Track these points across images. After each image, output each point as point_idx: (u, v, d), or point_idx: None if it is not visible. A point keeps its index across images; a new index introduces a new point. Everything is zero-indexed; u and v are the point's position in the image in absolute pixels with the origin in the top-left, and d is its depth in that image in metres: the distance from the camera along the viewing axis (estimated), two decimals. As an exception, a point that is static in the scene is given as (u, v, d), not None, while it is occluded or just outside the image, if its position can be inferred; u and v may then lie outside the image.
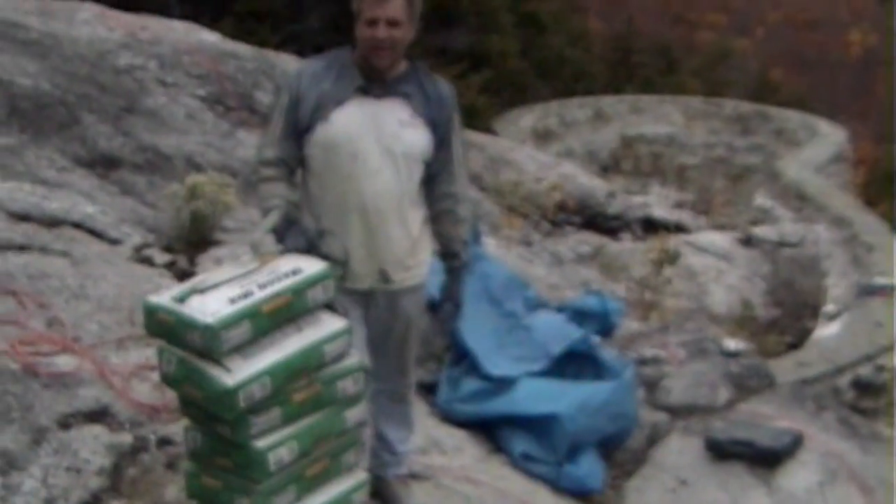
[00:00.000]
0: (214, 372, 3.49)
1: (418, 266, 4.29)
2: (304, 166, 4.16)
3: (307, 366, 3.65)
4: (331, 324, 3.76)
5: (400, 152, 4.05)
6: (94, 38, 8.87)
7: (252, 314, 3.52)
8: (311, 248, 3.92)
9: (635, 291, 10.05)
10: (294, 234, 3.96)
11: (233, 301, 3.53)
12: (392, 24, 3.92)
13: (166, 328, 3.60)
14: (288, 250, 3.85)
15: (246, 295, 3.56)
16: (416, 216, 4.22)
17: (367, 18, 3.92)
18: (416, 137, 4.08)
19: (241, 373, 3.49)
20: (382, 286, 4.18)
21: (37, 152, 7.02)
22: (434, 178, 4.23)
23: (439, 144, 4.15)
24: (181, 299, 3.58)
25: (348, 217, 4.05)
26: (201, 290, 3.60)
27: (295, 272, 3.71)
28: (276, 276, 3.68)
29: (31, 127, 7.26)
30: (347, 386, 3.79)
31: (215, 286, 3.62)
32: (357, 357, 3.84)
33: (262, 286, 3.62)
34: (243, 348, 3.53)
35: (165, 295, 3.67)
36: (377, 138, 4.02)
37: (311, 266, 3.76)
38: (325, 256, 3.88)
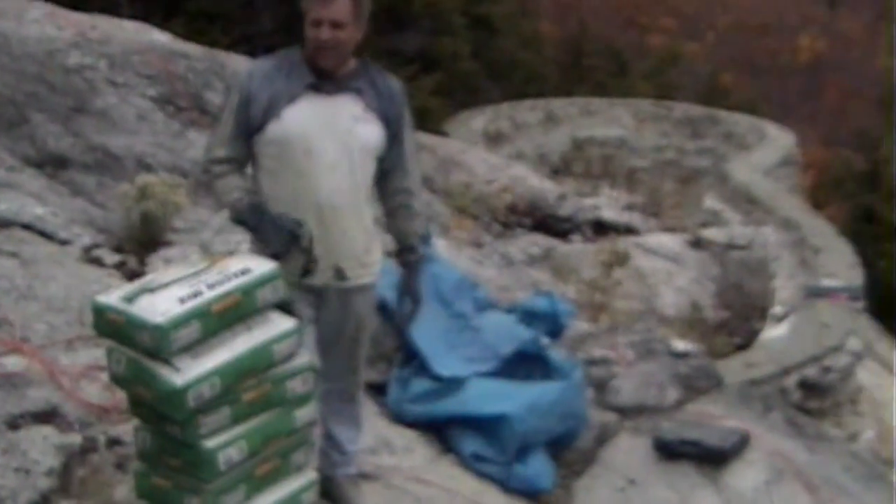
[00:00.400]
0: (163, 372, 3.48)
1: (373, 264, 4.32)
2: (255, 165, 4.17)
3: (256, 366, 3.65)
4: (280, 324, 3.76)
5: (356, 147, 4.08)
6: (44, 37, 8.79)
7: (201, 314, 3.52)
8: (293, 240, 3.94)
9: (585, 293, 10.11)
10: (272, 227, 3.97)
11: (182, 301, 3.53)
12: (336, 25, 3.94)
13: (115, 328, 3.59)
14: (270, 244, 3.93)
15: (195, 294, 3.56)
16: (370, 213, 4.26)
17: (311, 19, 3.95)
18: (370, 132, 4.11)
19: (191, 372, 3.49)
20: (337, 283, 4.19)
21: (-15, 152, 6.99)
22: (388, 174, 4.27)
23: (392, 140, 4.18)
24: (130, 299, 3.57)
25: (303, 214, 4.03)
26: (151, 290, 3.59)
27: (244, 272, 3.71)
28: (226, 275, 3.68)
29: (-22, 127, 7.23)
30: (297, 386, 3.79)
31: (165, 286, 3.61)
32: (306, 357, 3.85)
33: (211, 286, 3.61)
34: (192, 348, 3.53)
35: (114, 294, 3.66)
36: (331, 134, 4.04)
37: (261, 266, 3.76)
38: (306, 248, 3.93)
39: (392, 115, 4.16)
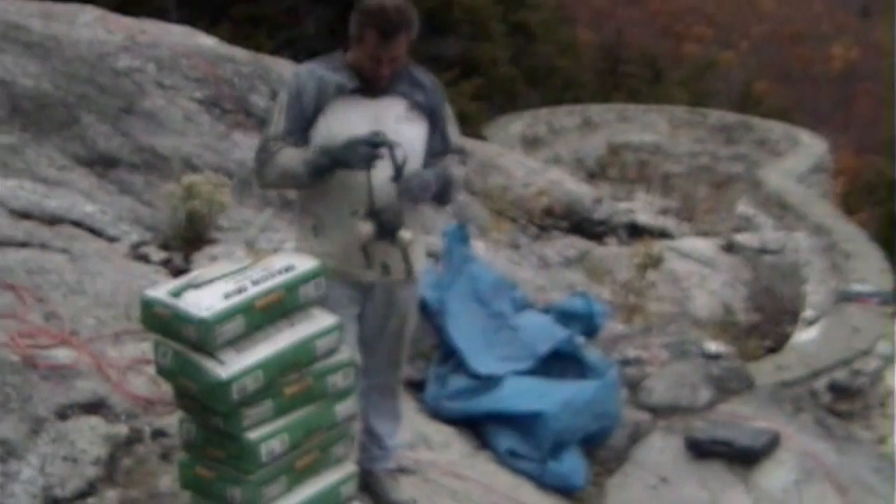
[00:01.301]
0: (208, 365, 3.58)
1: (417, 260, 4.41)
2: None
3: (299, 360, 3.75)
4: (322, 320, 3.86)
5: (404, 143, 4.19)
6: (95, 40, 8.99)
7: (245, 309, 3.62)
8: (374, 147, 4.00)
9: (620, 295, 10.20)
10: (348, 149, 4.01)
11: (227, 296, 3.63)
12: (393, 60, 4.09)
13: (162, 322, 3.69)
14: (355, 163, 3.99)
15: (240, 290, 3.66)
16: (415, 210, 4.35)
17: (371, 55, 4.06)
18: (416, 131, 4.24)
19: (235, 366, 3.58)
20: (384, 279, 4.31)
21: (37, 151, 7.14)
22: (433, 151, 4.36)
23: (434, 131, 4.30)
24: (177, 294, 3.68)
25: (353, 218, 4.16)
26: (196, 286, 3.70)
27: (288, 269, 3.82)
28: (270, 272, 3.78)
29: (31, 126, 7.37)
30: (338, 380, 3.89)
31: (210, 282, 3.72)
32: (348, 352, 3.96)
33: (255, 282, 3.72)
34: (237, 342, 3.62)
35: (162, 290, 3.77)
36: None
37: (304, 263, 3.88)
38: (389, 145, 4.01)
39: (434, 106, 4.28)
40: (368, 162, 4.00)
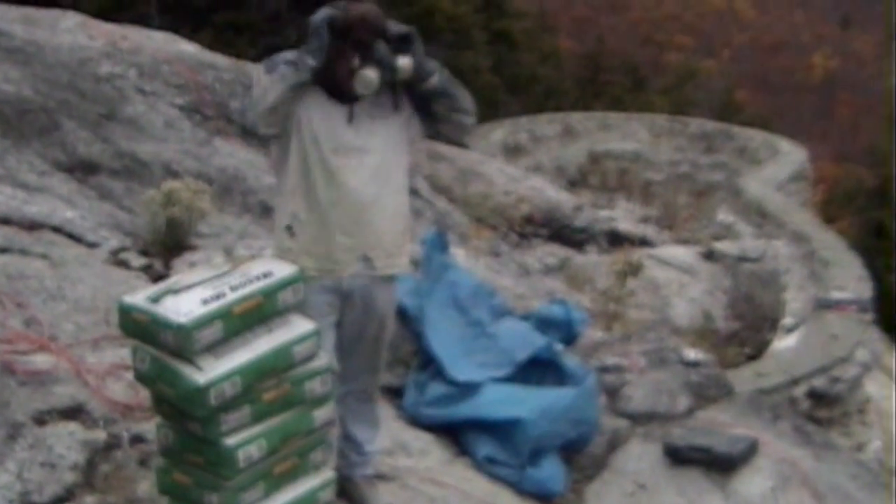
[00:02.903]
0: (186, 370, 3.60)
1: (401, 256, 4.45)
2: (283, 165, 4.32)
3: (277, 366, 3.77)
4: (300, 326, 3.89)
5: (383, 142, 4.28)
6: (76, 46, 8.98)
7: (224, 315, 3.64)
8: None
9: (600, 302, 10.23)
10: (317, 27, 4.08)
11: (205, 302, 3.65)
12: None
13: (140, 327, 3.71)
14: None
15: (218, 296, 3.69)
16: (402, 202, 4.41)
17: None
18: (397, 125, 4.32)
19: (213, 371, 3.60)
20: (365, 271, 4.32)
21: (18, 157, 7.13)
22: None
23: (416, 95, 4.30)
24: (155, 299, 3.70)
25: (332, 206, 4.23)
26: (175, 291, 3.72)
27: (266, 275, 3.85)
28: (248, 278, 3.81)
29: (12, 132, 7.36)
30: (315, 386, 3.91)
31: (189, 287, 3.74)
32: (325, 358, 3.99)
33: (233, 288, 3.74)
34: (215, 348, 3.65)
35: (140, 295, 3.79)
36: (358, 131, 4.23)
37: (283, 269, 3.90)
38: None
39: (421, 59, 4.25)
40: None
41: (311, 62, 4.07)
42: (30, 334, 5.06)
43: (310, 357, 3.90)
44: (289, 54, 4.11)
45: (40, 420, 4.49)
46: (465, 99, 4.36)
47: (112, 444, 4.56)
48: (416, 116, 4.36)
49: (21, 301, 5.30)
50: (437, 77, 4.22)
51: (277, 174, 4.41)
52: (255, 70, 4.24)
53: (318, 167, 4.21)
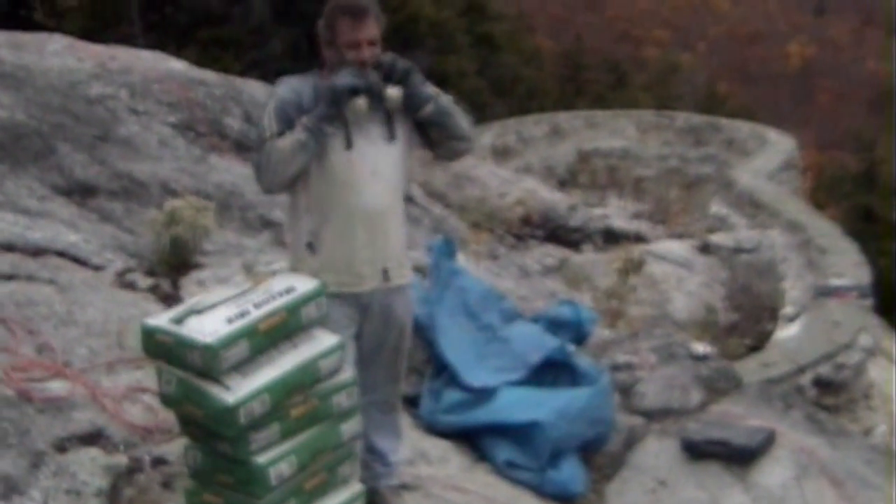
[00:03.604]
0: (214, 390, 3.59)
1: (409, 262, 4.56)
2: (295, 185, 4.32)
3: (304, 381, 3.77)
4: (324, 340, 3.88)
5: (391, 152, 4.31)
6: (65, 69, 8.94)
7: (249, 333, 3.63)
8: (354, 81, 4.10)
9: (601, 301, 10.23)
10: (330, 90, 4.10)
11: (230, 320, 3.64)
12: (371, 43, 4.17)
13: (165, 349, 3.70)
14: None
15: (242, 314, 3.68)
16: (403, 211, 4.48)
17: (347, 42, 4.15)
18: (395, 151, 4.34)
19: (241, 390, 3.59)
20: (383, 285, 4.35)
21: (16, 182, 7.10)
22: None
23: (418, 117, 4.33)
24: (179, 321, 3.68)
25: (351, 221, 4.25)
26: (198, 311, 3.70)
27: (288, 290, 3.84)
28: (271, 295, 3.80)
29: (8, 157, 7.34)
30: (342, 400, 3.91)
31: (212, 307, 3.73)
32: (350, 371, 3.98)
33: (257, 305, 3.73)
34: (242, 366, 3.64)
35: (163, 317, 3.78)
36: (369, 142, 4.26)
37: (305, 284, 3.89)
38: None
39: (412, 94, 4.27)
40: (352, 90, 4.08)
41: (329, 131, 4.13)
42: (44, 361, 5.04)
43: (335, 371, 3.90)
44: (306, 121, 4.11)
45: (61, 447, 4.48)
46: (461, 126, 4.42)
47: (134, 468, 4.55)
48: (415, 136, 4.40)
49: (32, 328, 5.28)
50: (432, 106, 4.28)
51: (288, 193, 4.40)
52: (266, 115, 4.23)
53: (333, 183, 4.23)
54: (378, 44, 4.19)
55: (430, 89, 4.32)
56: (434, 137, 4.40)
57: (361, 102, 4.12)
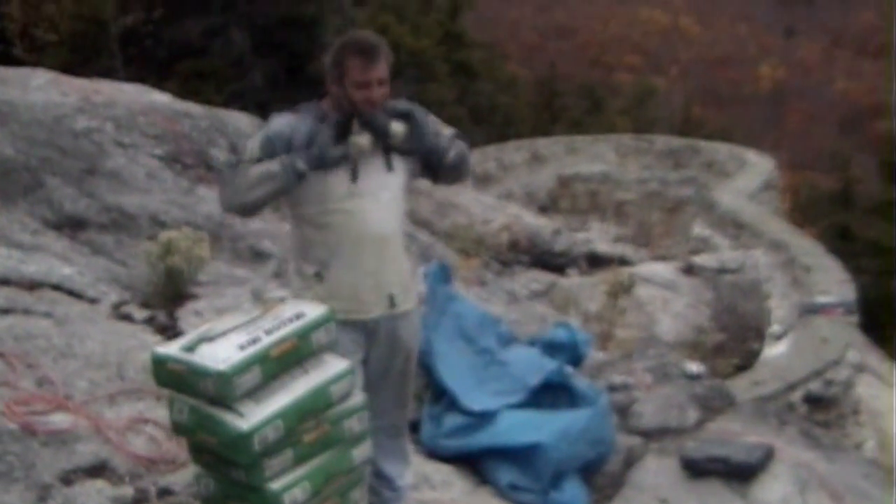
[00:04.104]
0: (228, 418, 3.59)
1: (413, 288, 4.57)
2: (295, 218, 4.35)
3: (316, 407, 3.78)
4: (335, 365, 3.90)
5: (391, 181, 4.33)
6: (50, 103, 8.94)
7: (261, 359, 3.64)
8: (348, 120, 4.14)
9: (590, 324, 10.28)
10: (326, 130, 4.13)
11: (242, 347, 3.65)
12: (381, 83, 4.18)
13: (176, 378, 3.70)
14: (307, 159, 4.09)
15: (254, 341, 3.69)
16: (402, 236, 4.49)
17: (357, 81, 4.15)
18: (395, 180, 4.35)
19: (255, 417, 3.60)
20: (389, 312, 4.36)
21: (7, 216, 7.09)
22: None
23: (425, 155, 4.35)
24: (190, 348, 3.69)
25: (358, 249, 4.26)
26: (210, 339, 3.71)
27: (298, 316, 3.85)
28: (281, 321, 3.81)
29: (-2, 192, 7.35)
30: (353, 425, 3.92)
31: (223, 334, 3.74)
32: (360, 396, 3.99)
33: (268, 332, 3.75)
34: (255, 393, 3.65)
35: (174, 345, 3.79)
36: (370, 173, 4.27)
37: (314, 310, 3.91)
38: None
39: (420, 134, 4.30)
40: (341, 135, 4.13)
41: (301, 167, 4.12)
42: (45, 394, 5.02)
43: (346, 395, 3.91)
44: (285, 157, 4.13)
45: (67, 480, 4.47)
46: (469, 165, 4.52)
47: (140, 499, 4.55)
48: (416, 166, 4.41)
49: (31, 361, 5.25)
50: (453, 153, 4.34)
51: (292, 224, 4.43)
52: (252, 140, 4.26)
53: (337, 213, 4.25)
54: (387, 83, 4.21)
55: (446, 132, 4.39)
56: (445, 176, 4.46)
57: (363, 141, 4.15)
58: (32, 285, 6.16)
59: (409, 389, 4.67)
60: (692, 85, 70.47)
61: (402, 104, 4.30)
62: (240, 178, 4.12)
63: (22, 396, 4.90)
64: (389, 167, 4.32)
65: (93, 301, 6.30)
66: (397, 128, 4.20)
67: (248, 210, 4.27)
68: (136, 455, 4.78)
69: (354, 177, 4.23)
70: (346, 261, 4.27)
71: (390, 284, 4.35)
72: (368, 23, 23.65)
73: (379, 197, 4.28)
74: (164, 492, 4.61)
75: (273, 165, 4.10)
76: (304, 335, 3.80)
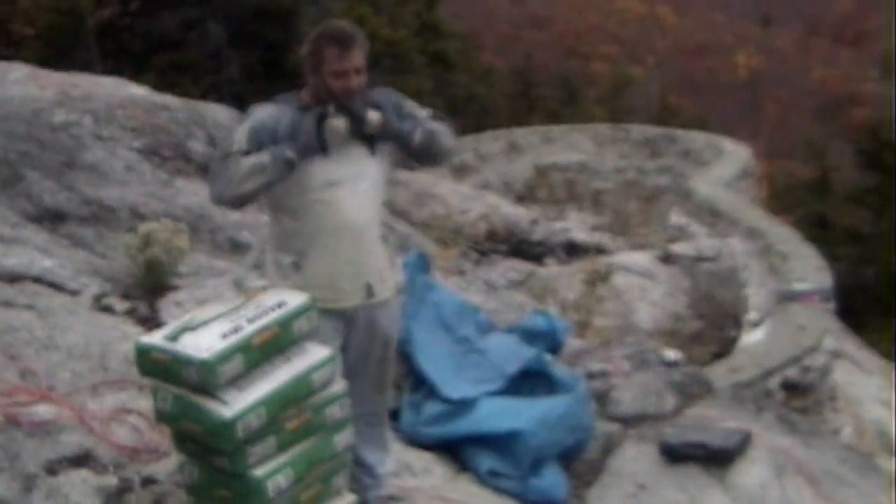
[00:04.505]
0: (211, 405, 3.65)
1: (391, 278, 4.61)
2: (273, 208, 4.39)
3: (298, 394, 3.84)
4: (317, 353, 3.96)
5: (369, 171, 4.39)
6: (27, 97, 8.95)
7: (244, 348, 3.70)
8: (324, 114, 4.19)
9: (568, 312, 10.33)
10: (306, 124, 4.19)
11: (224, 336, 3.71)
12: (358, 71, 4.24)
13: (160, 367, 3.75)
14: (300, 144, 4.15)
15: (236, 329, 3.74)
16: (379, 226, 4.56)
17: (334, 70, 4.21)
18: (375, 166, 4.41)
19: (238, 404, 3.66)
20: (366, 301, 4.41)
21: (-12, 210, 7.12)
22: None
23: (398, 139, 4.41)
24: (173, 338, 3.74)
25: (335, 238, 4.31)
26: (192, 328, 3.77)
27: (280, 305, 3.91)
28: (263, 310, 3.87)
29: (-23, 186, 7.36)
30: (335, 412, 3.99)
31: (205, 323, 3.79)
32: (342, 383, 4.04)
33: (250, 320, 3.80)
34: (237, 381, 3.70)
35: (157, 335, 3.84)
36: (348, 163, 4.33)
37: (295, 299, 3.96)
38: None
39: (394, 121, 4.38)
40: (321, 119, 4.18)
41: (290, 155, 4.16)
42: (28, 386, 5.04)
43: (328, 383, 3.97)
44: (274, 148, 4.17)
45: (52, 470, 4.50)
46: (445, 144, 4.54)
47: (124, 488, 4.57)
48: (396, 153, 4.47)
49: (14, 353, 5.28)
50: (419, 135, 4.38)
51: (270, 215, 4.48)
52: (239, 131, 4.29)
53: (315, 203, 4.29)
54: (364, 71, 4.26)
55: (416, 115, 4.46)
56: (420, 160, 4.56)
57: (340, 123, 4.19)
58: (13, 278, 6.18)
59: (388, 377, 4.72)
60: (669, 74, 70.58)
61: (378, 94, 4.35)
62: (231, 170, 4.15)
63: (5, 388, 4.93)
64: (372, 152, 4.36)
65: (74, 293, 6.33)
66: (373, 115, 4.25)
67: (240, 202, 4.30)
68: (120, 445, 4.81)
69: (329, 163, 4.27)
70: (323, 250, 4.31)
71: (367, 274, 4.40)
72: (345, 14, 23.63)
73: (357, 186, 4.33)
74: (148, 481, 4.64)
75: (263, 157, 4.13)
76: (285, 324, 3.86)
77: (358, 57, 4.23)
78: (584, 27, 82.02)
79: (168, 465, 4.61)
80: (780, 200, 29.45)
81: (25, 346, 5.38)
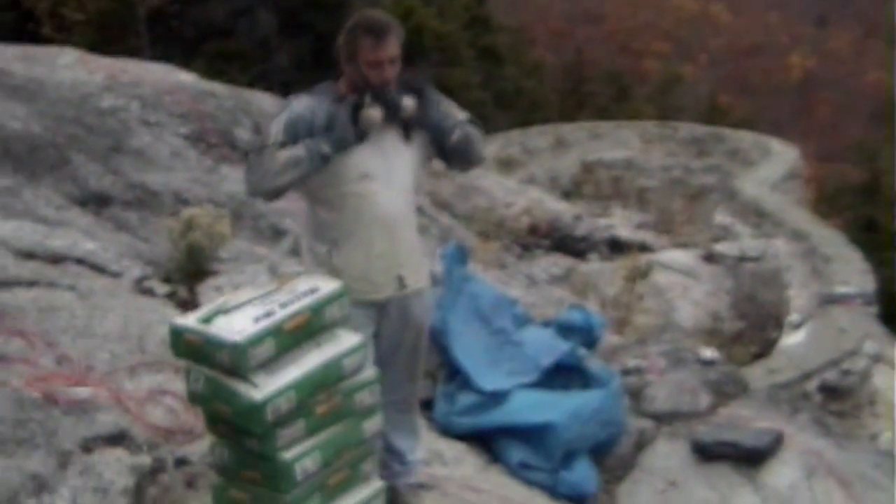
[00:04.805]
0: (242, 388, 3.68)
1: (424, 267, 4.65)
2: (310, 200, 4.44)
3: (328, 379, 3.86)
4: (348, 339, 3.97)
5: (403, 163, 4.42)
6: (77, 81, 9.07)
7: (275, 332, 3.73)
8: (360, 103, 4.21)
9: (608, 309, 10.32)
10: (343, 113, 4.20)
11: (257, 320, 3.74)
12: (392, 62, 4.26)
13: (193, 349, 3.79)
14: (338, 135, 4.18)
15: (268, 314, 3.77)
16: (415, 217, 4.57)
17: (369, 61, 4.23)
18: (413, 147, 4.43)
19: (268, 388, 3.69)
20: (399, 292, 4.45)
21: (34, 192, 7.21)
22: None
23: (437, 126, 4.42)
24: (207, 320, 3.78)
25: (369, 230, 4.34)
26: (226, 311, 3.80)
27: (312, 291, 3.93)
28: (295, 295, 3.89)
29: (24, 168, 7.45)
30: (364, 398, 4.00)
31: (239, 307, 3.82)
32: (372, 370, 4.08)
33: (283, 305, 3.83)
34: (268, 364, 3.73)
35: (191, 317, 3.88)
36: (382, 155, 4.35)
37: (328, 285, 3.99)
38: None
39: (431, 112, 4.39)
40: (356, 109, 4.19)
41: (326, 151, 4.20)
42: (63, 372, 5.10)
43: (358, 369, 3.98)
44: (309, 141, 4.21)
45: (87, 448, 4.55)
46: (478, 152, 4.56)
47: (158, 468, 4.63)
48: (432, 147, 4.49)
49: (51, 339, 5.34)
50: (458, 133, 4.40)
51: (307, 204, 4.52)
52: (275, 123, 4.31)
53: (349, 196, 4.33)
54: (398, 61, 4.29)
55: (458, 115, 4.46)
56: (452, 158, 4.53)
57: (375, 113, 4.22)
58: (57, 259, 6.27)
59: (419, 365, 4.75)
60: (721, 73, 70.07)
61: (415, 80, 4.38)
62: (267, 163, 4.19)
63: (42, 374, 5.00)
64: (407, 138, 4.39)
65: (115, 275, 6.41)
66: (408, 101, 4.28)
67: (275, 195, 4.34)
68: (155, 426, 4.87)
69: (365, 153, 4.29)
70: (357, 243, 4.35)
71: (399, 265, 4.43)
72: (394, 6, 23.72)
73: (391, 179, 4.36)
74: (181, 461, 4.71)
75: (299, 151, 4.17)
76: (317, 309, 3.88)
77: (392, 47, 4.25)
78: (637, 24, 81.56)
79: (202, 446, 4.65)
80: (829, 203, 29.17)
81: (66, 326, 5.47)
